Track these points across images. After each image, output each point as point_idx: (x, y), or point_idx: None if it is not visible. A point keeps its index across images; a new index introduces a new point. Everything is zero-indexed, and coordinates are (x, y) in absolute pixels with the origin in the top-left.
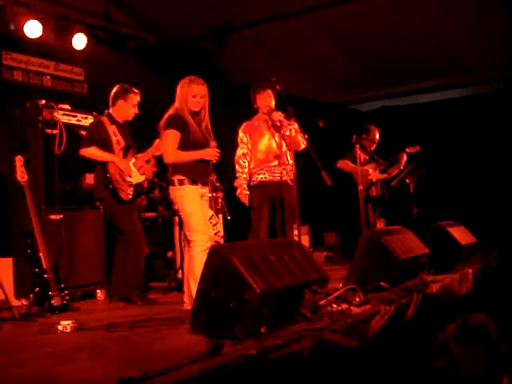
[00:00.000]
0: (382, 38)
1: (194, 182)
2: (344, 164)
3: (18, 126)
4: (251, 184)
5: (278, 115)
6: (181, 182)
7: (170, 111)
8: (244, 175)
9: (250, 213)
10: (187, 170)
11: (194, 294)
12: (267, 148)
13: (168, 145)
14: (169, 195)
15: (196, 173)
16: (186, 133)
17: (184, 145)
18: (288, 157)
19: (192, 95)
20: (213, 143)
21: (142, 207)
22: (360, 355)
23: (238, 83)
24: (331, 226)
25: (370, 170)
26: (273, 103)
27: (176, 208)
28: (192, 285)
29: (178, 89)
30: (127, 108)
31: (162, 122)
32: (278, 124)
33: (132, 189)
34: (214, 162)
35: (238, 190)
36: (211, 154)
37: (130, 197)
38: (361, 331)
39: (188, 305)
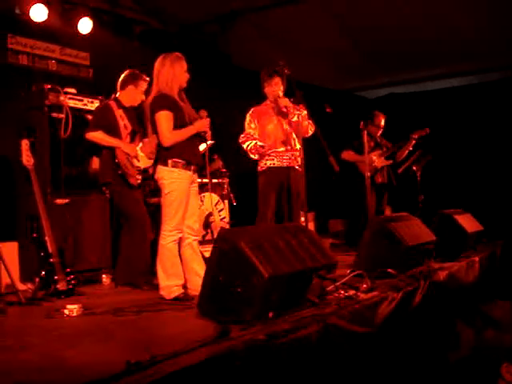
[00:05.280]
0: (389, 23)
1: (188, 165)
2: (347, 155)
3: (23, 110)
4: (259, 169)
5: (284, 101)
6: (175, 165)
7: (154, 92)
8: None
9: (256, 198)
10: (183, 152)
11: (161, 283)
12: (275, 134)
13: (164, 127)
14: (154, 173)
15: (191, 155)
16: (177, 112)
17: (176, 125)
18: (296, 142)
19: (185, 70)
20: (202, 113)
21: (148, 192)
22: (367, 341)
23: (243, 68)
24: (337, 213)
25: (374, 158)
26: (281, 90)
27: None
28: (160, 273)
29: (166, 67)
30: (136, 94)
31: (150, 104)
32: (284, 110)
33: (140, 174)
34: (208, 134)
35: (252, 143)
36: (204, 124)
37: (139, 182)
38: (368, 317)
39: (192, 290)
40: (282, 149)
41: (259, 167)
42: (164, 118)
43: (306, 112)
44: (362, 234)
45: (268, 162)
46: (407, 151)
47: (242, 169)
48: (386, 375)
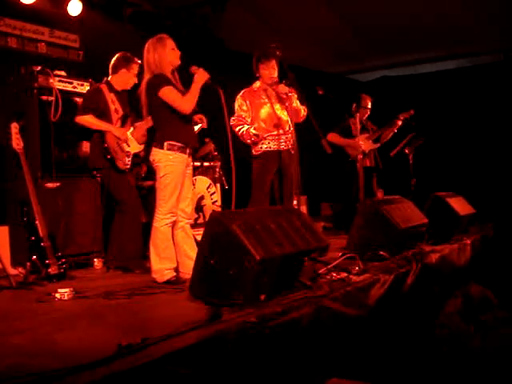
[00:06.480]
0: (382, 6)
1: (184, 147)
2: (333, 137)
3: (12, 93)
4: (254, 153)
5: (284, 89)
6: (171, 147)
7: (147, 77)
8: (247, 125)
9: (249, 182)
10: (179, 134)
11: (153, 266)
12: (268, 117)
13: (175, 97)
14: (148, 156)
15: (188, 137)
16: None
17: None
18: (289, 125)
19: (171, 48)
20: (194, 69)
21: (140, 176)
22: (359, 323)
23: (235, 51)
24: (329, 196)
25: (361, 142)
26: (276, 74)
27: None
28: (153, 256)
29: (151, 53)
30: (129, 77)
31: (146, 87)
32: (285, 97)
33: (130, 158)
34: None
35: (245, 128)
36: (203, 75)
37: (128, 166)
38: (360, 300)
39: (183, 274)
40: (276, 132)
41: (254, 151)
42: (170, 91)
43: (296, 95)
44: (352, 217)
45: (263, 146)
46: (392, 133)
47: (235, 152)
48: (377, 357)
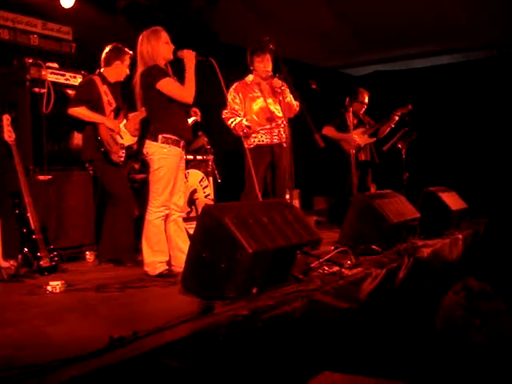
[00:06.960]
0: (375, 1)
1: (178, 141)
2: (329, 131)
3: (4, 85)
4: (247, 147)
5: (277, 82)
6: (165, 140)
7: (140, 69)
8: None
9: (241, 175)
10: (174, 126)
11: (146, 259)
12: (261, 110)
13: (175, 89)
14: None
15: (182, 130)
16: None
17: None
18: (283, 119)
19: (165, 42)
20: (181, 53)
21: (132, 169)
22: (351, 317)
23: (230, 44)
24: (322, 190)
25: (356, 136)
26: (270, 67)
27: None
28: (145, 249)
29: (145, 45)
30: (122, 69)
31: (142, 79)
32: (279, 91)
33: (124, 151)
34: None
35: (237, 120)
36: (190, 54)
37: (122, 159)
38: (352, 293)
39: (176, 267)
40: (268, 126)
41: (246, 144)
42: (168, 83)
43: (289, 90)
44: (345, 211)
45: (256, 140)
46: (389, 128)
47: (227, 146)
48: (370, 351)
